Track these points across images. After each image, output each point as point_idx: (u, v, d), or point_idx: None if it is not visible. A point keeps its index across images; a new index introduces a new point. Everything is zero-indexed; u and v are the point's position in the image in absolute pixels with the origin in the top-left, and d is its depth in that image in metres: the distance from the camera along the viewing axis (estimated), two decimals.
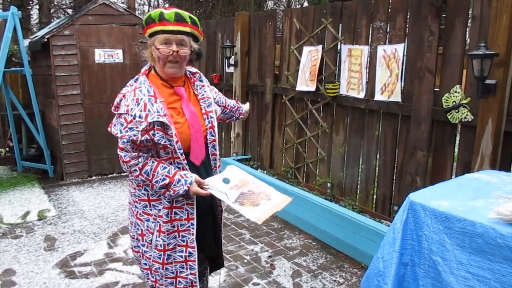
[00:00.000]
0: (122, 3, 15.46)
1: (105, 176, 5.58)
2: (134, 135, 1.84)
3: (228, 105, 2.46)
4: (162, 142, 1.85)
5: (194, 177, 1.89)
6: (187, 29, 1.89)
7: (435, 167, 3.27)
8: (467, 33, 3.09)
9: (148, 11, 17.37)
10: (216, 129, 2.07)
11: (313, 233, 3.82)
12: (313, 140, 4.39)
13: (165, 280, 2.03)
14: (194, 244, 1.99)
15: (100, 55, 5.37)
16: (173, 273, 2.02)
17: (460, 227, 1.74)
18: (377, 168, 3.75)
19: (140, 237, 2.04)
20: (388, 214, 3.64)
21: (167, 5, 17.26)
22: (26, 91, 5.62)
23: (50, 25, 6.26)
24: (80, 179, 5.43)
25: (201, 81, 2.11)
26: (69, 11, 15.18)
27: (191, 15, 1.93)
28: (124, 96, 1.91)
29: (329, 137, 4.19)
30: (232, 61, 5.26)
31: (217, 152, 2.12)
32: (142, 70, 2.00)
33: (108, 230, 3.94)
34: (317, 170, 4.40)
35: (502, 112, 2.71)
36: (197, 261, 2.02)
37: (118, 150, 1.91)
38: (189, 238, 1.98)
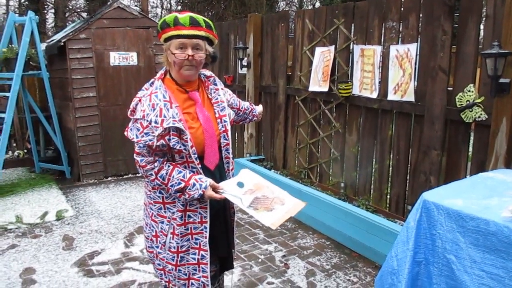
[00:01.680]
0: (135, 6, 15.64)
1: (121, 177, 5.67)
2: (150, 140, 1.85)
3: (242, 107, 2.46)
4: (177, 147, 1.87)
5: (209, 181, 1.91)
6: (202, 33, 1.90)
7: (449, 166, 3.26)
8: (481, 32, 3.09)
9: (161, 13, 17.54)
10: (229, 132, 2.08)
11: (326, 232, 3.84)
12: (326, 140, 4.40)
13: (178, 281, 2.06)
14: (207, 247, 2.02)
15: (115, 58, 5.45)
16: (185, 274, 2.05)
17: (474, 225, 1.75)
18: (390, 168, 3.75)
19: (154, 238, 2.07)
20: (402, 213, 3.64)
21: (179, 7, 17.39)
22: (43, 94, 5.74)
23: (66, 29, 6.39)
24: (96, 180, 5.52)
25: (215, 84, 2.12)
26: (84, 14, 15.40)
27: (205, 18, 1.94)
28: (140, 100, 1.93)
29: (342, 137, 4.20)
30: (245, 63, 5.30)
31: (230, 156, 2.13)
32: (158, 75, 2.01)
33: (124, 229, 4.01)
34: (330, 170, 4.41)
35: None
36: (209, 263, 2.05)
37: (135, 155, 1.95)
38: (202, 241, 2.01)
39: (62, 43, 5.15)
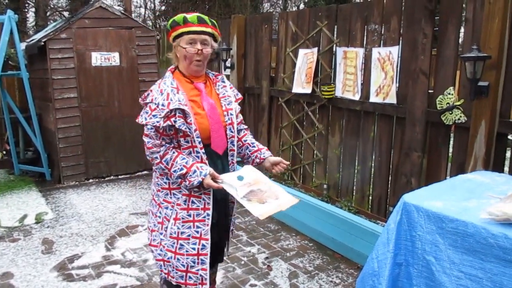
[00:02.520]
0: (119, 5, 15.48)
1: (102, 179, 5.59)
2: (157, 122, 2.01)
3: (238, 129, 2.34)
4: (183, 129, 2.01)
5: (209, 170, 2.02)
6: (209, 30, 2.10)
7: (430, 168, 3.30)
8: (460, 35, 3.13)
9: (145, 14, 17.39)
10: (235, 125, 2.20)
11: (309, 234, 3.85)
12: (309, 142, 4.42)
13: (176, 273, 2.14)
14: (208, 236, 2.11)
15: (97, 58, 5.38)
16: (183, 266, 2.12)
17: (453, 227, 1.77)
18: (372, 169, 3.78)
19: (159, 225, 2.17)
20: (384, 214, 3.67)
21: (163, 7, 17.30)
22: (23, 95, 5.63)
23: (47, 29, 6.28)
24: (77, 182, 5.44)
25: (223, 82, 2.27)
26: (65, 13, 15.18)
27: (210, 18, 2.14)
28: (151, 90, 2.12)
29: (325, 138, 4.22)
30: (228, 64, 5.29)
31: (235, 148, 2.24)
32: (169, 68, 2.22)
33: (105, 232, 3.95)
34: (314, 172, 4.43)
35: (494, 114, 2.75)
36: (209, 255, 2.12)
37: (143, 136, 2.09)
38: (203, 229, 2.10)
39: (43, 43, 5.06)
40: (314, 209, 3.75)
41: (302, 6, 18.77)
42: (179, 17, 2.10)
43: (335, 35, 4.02)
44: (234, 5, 15.15)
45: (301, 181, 4.60)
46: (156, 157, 2.07)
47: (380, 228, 3.26)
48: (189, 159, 2.05)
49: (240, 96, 2.37)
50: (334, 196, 4.15)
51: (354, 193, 3.98)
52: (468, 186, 2.15)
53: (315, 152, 4.36)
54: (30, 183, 5.45)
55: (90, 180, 5.53)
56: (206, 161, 2.08)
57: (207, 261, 2.11)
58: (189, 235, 2.10)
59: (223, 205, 2.27)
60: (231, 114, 2.19)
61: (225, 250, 2.48)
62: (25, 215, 4.37)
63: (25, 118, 5.48)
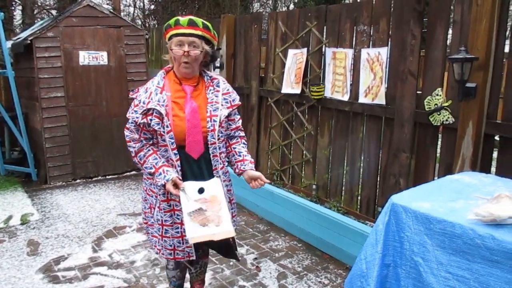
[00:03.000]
0: (107, 4, 15.35)
1: (90, 179, 5.53)
2: (136, 117, 2.15)
3: (230, 134, 2.37)
4: (156, 128, 2.12)
5: (172, 176, 2.12)
6: (198, 32, 2.12)
7: (418, 169, 3.32)
8: (449, 37, 3.15)
9: (134, 12, 17.27)
10: (216, 132, 2.20)
11: (298, 234, 3.85)
12: (299, 142, 4.41)
13: (165, 250, 2.32)
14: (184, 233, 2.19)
15: (85, 57, 5.32)
16: (171, 246, 2.30)
17: (440, 228, 1.77)
18: (361, 170, 3.79)
19: (148, 210, 2.35)
20: (373, 215, 3.68)
21: (152, 6, 17.19)
22: (9, 94, 5.54)
23: (33, 27, 6.19)
24: (64, 183, 5.37)
25: (218, 86, 2.26)
26: (53, 12, 15.01)
27: (204, 21, 2.16)
28: (141, 87, 2.25)
29: (314, 139, 4.22)
30: (217, 64, 5.26)
31: (218, 154, 2.25)
32: (165, 67, 2.29)
33: (92, 234, 3.90)
34: (303, 172, 4.43)
35: (482, 115, 2.76)
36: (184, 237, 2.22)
37: (124, 129, 2.25)
38: (183, 217, 2.18)
39: (29, 41, 4.99)
40: (303, 210, 3.75)
41: (292, 6, 18.81)
42: (172, 20, 2.16)
43: (324, 36, 4.02)
44: (224, 4, 15.11)
45: (290, 181, 4.60)
46: (132, 151, 2.23)
47: (368, 228, 3.27)
48: (160, 159, 2.17)
49: (237, 102, 2.32)
50: (323, 197, 4.15)
51: (343, 194, 3.99)
52: (455, 187, 2.16)
53: (304, 152, 4.36)
54: (15, 183, 5.37)
55: (77, 181, 5.46)
56: (177, 162, 2.17)
57: (181, 240, 2.28)
58: (172, 222, 2.26)
59: None
60: (215, 121, 2.19)
61: (233, 245, 2.43)
62: (10, 216, 4.30)
63: (11, 118, 5.40)
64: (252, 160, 2.36)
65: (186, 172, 2.22)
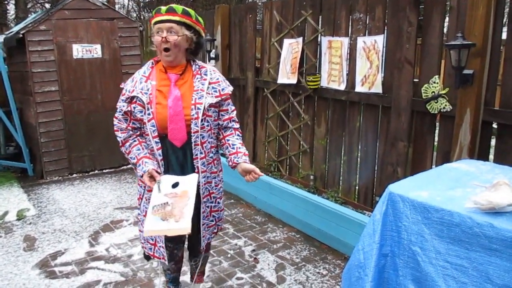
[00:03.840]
0: None
1: (86, 174, 5.49)
2: (122, 106, 2.20)
3: (223, 125, 2.33)
4: (139, 116, 2.16)
5: (149, 168, 2.12)
6: (176, 18, 2.10)
7: (416, 157, 3.29)
8: (445, 23, 3.11)
9: (128, 4, 17.11)
10: (199, 120, 2.16)
11: (296, 225, 3.83)
12: (295, 133, 4.38)
13: (147, 245, 2.37)
14: None
15: (78, 51, 5.26)
16: (153, 240, 2.34)
17: (438, 217, 1.75)
18: (359, 160, 3.77)
19: (138, 201, 2.39)
20: (371, 205, 3.66)
21: None
22: (3, 89, 5.48)
23: (26, 20, 6.11)
24: (60, 177, 5.33)
25: (205, 74, 2.24)
26: (47, 5, 14.85)
27: (186, 8, 2.15)
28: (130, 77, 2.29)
29: (311, 129, 4.19)
30: (212, 55, 5.21)
31: (199, 143, 2.19)
32: (156, 57, 2.28)
33: (89, 228, 3.88)
34: (300, 163, 4.40)
35: (479, 102, 2.73)
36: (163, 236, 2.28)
37: (113, 118, 2.26)
38: None
39: (21, 35, 4.92)
40: (301, 200, 3.73)
41: None
42: (156, 9, 2.17)
43: (320, 25, 3.97)
44: None
45: (287, 172, 4.57)
46: (119, 141, 2.26)
47: (366, 218, 3.25)
48: (143, 151, 2.20)
49: (226, 91, 2.27)
50: (321, 187, 4.14)
51: (340, 184, 3.97)
52: (453, 175, 2.14)
53: (301, 143, 4.33)
54: (11, 179, 5.33)
55: (74, 175, 5.43)
56: (159, 151, 2.18)
57: (162, 238, 2.29)
58: None
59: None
60: (199, 109, 2.16)
61: (201, 241, 2.39)
62: (6, 211, 4.27)
63: (5, 113, 5.35)
64: (246, 152, 2.29)
65: (171, 160, 2.21)
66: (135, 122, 2.21)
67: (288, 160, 4.57)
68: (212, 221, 2.41)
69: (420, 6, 3.19)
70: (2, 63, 5.15)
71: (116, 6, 14.59)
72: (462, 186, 1.95)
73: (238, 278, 3.04)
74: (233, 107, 2.37)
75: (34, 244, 3.58)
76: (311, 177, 4.22)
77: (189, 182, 2.10)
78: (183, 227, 1.96)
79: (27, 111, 5.48)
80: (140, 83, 2.17)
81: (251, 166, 2.21)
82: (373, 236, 1.95)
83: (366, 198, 3.71)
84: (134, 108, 2.16)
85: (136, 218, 4.04)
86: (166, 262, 2.37)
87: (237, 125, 2.38)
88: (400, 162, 3.35)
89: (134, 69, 5.62)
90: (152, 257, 2.41)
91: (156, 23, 2.12)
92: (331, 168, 4.03)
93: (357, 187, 3.82)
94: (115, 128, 2.25)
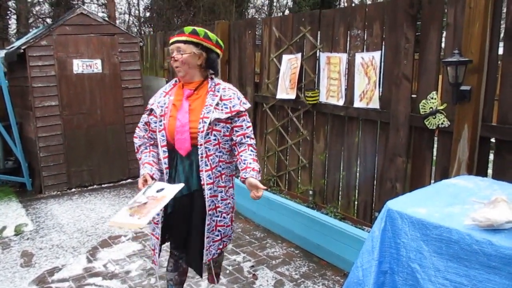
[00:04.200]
0: (103, 12, 15.35)
1: (85, 188, 5.48)
2: (144, 117, 2.47)
3: (237, 141, 2.38)
4: (152, 126, 2.39)
5: (145, 173, 2.31)
6: (183, 38, 2.30)
7: (414, 173, 3.29)
8: (442, 40, 3.14)
9: (129, 20, 17.28)
10: (204, 134, 2.26)
11: (295, 241, 3.81)
12: (294, 148, 4.39)
13: (151, 252, 2.59)
14: (158, 235, 2.41)
15: (79, 66, 5.30)
16: (153, 245, 2.50)
17: (437, 234, 1.74)
18: (358, 175, 3.76)
19: None
20: (370, 220, 3.64)
21: (148, 14, 17.20)
22: (3, 103, 5.50)
23: (27, 36, 6.17)
24: (59, 192, 5.32)
25: (218, 92, 2.35)
26: (48, 20, 15.00)
27: (197, 28, 2.35)
28: None
29: (310, 144, 4.20)
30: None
31: (206, 156, 2.28)
32: None
33: (87, 244, 3.86)
34: (299, 178, 4.40)
35: (477, 118, 2.74)
36: (159, 239, 2.42)
37: (136, 128, 2.54)
38: (157, 227, 2.43)
39: (22, 50, 4.96)
40: (300, 216, 3.72)
41: (287, 12, 18.84)
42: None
43: (318, 41, 4.01)
44: (219, 11, 15.14)
45: (286, 187, 4.57)
46: (135, 147, 2.51)
47: (366, 234, 3.24)
48: (149, 158, 2.41)
49: (237, 108, 2.34)
50: (320, 202, 4.12)
51: (340, 199, 3.96)
52: (451, 191, 2.13)
53: (300, 158, 4.33)
54: (10, 193, 5.32)
55: (73, 190, 5.42)
56: (164, 160, 2.34)
57: (156, 242, 2.45)
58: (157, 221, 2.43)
59: (187, 211, 2.38)
60: (205, 122, 2.27)
61: (204, 255, 2.40)
62: (4, 226, 4.26)
63: (5, 127, 5.36)
64: (256, 168, 2.30)
65: (178, 170, 2.36)
66: (152, 134, 2.42)
67: (287, 175, 4.56)
68: (217, 235, 2.42)
69: (417, 22, 3.23)
70: (3, 77, 5.18)
71: (117, 21, 14.73)
72: (461, 203, 1.94)
73: None
74: (249, 124, 2.42)
75: (31, 260, 3.56)
76: (310, 192, 4.21)
77: (171, 189, 2.19)
78: (139, 223, 2.04)
79: (26, 125, 5.49)
80: (160, 97, 2.41)
81: (255, 181, 2.23)
82: (372, 253, 1.94)
83: (366, 213, 3.70)
84: (151, 119, 2.39)
85: (135, 234, 4.03)
86: (169, 275, 2.57)
87: (251, 141, 2.41)
88: (399, 178, 3.35)
89: (133, 84, 5.68)
90: (173, 261, 2.56)
91: (169, 45, 2.36)
92: (330, 183, 4.02)
93: (356, 203, 3.81)
94: (134, 135, 2.53)
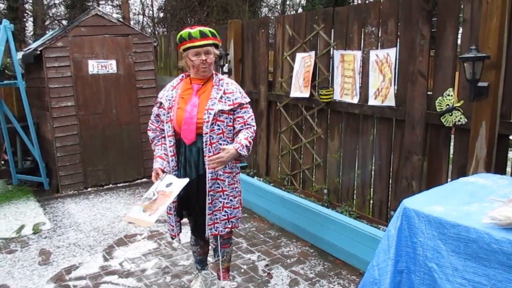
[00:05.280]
0: (117, 13, 15.49)
1: (101, 188, 5.54)
2: (155, 110, 2.71)
3: (237, 129, 2.63)
4: (162, 118, 2.64)
5: (157, 167, 2.59)
6: (210, 41, 2.54)
7: (431, 171, 3.25)
8: (459, 36, 3.09)
9: (143, 20, 17.41)
10: (209, 124, 2.50)
11: (310, 240, 3.79)
12: (309, 147, 4.37)
13: (169, 227, 2.77)
14: (172, 211, 2.69)
15: (94, 66, 5.35)
16: (171, 220, 2.73)
17: (455, 232, 1.72)
18: (373, 173, 3.73)
19: None
20: (385, 219, 3.61)
21: (161, 14, 17.31)
22: (21, 104, 5.60)
23: (44, 37, 6.25)
24: (75, 191, 5.39)
25: (221, 86, 2.60)
26: (64, 22, 15.19)
27: (210, 29, 2.56)
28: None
29: (324, 143, 4.18)
30: (226, 69, 5.25)
31: (209, 144, 2.52)
32: (186, 72, 2.73)
33: (103, 242, 3.90)
34: (313, 177, 4.38)
35: (495, 114, 2.70)
36: (172, 214, 2.69)
37: (149, 120, 2.76)
38: (173, 206, 2.68)
39: (39, 52, 5.04)
40: (314, 215, 3.70)
41: (300, 10, 18.77)
42: (185, 33, 2.52)
43: (332, 38, 3.98)
44: (232, 10, 15.13)
45: (301, 186, 4.55)
46: (149, 139, 2.75)
47: (381, 233, 3.20)
48: (160, 151, 2.65)
49: (239, 101, 2.60)
50: (335, 201, 4.10)
51: (354, 198, 3.93)
52: (469, 189, 2.10)
53: (314, 156, 4.31)
54: (28, 193, 5.41)
55: (89, 189, 5.48)
56: (170, 148, 2.58)
57: (172, 218, 2.71)
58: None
59: (194, 180, 2.60)
60: (210, 113, 2.51)
61: (206, 228, 2.65)
62: (22, 225, 4.33)
63: (23, 128, 5.45)
64: (240, 141, 2.51)
65: (187, 155, 2.59)
66: (162, 124, 2.65)
67: (301, 174, 4.55)
68: (224, 215, 2.68)
69: (433, 19, 3.18)
70: (20, 79, 5.26)
71: (131, 22, 14.86)
72: (479, 201, 1.91)
73: None
74: (250, 114, 2.66)
75: (49, 258, 3.61)
76: (325, 191, 4.19)
77: (177, 185, 2.45)
78: (149, 221, 2.33)
79: (43, 126, 5.57)
80: (168, 91, 2.65)
81: (227, 147, 2.48)
82: (388, 252, 1.92)
83: (381, 212, 3.67)
84: (161, 111, 2.64)
85: (150, 232, 4.06)
86: (192, 247, 2.93)
87: (250, 127, 2.64)
88: (414, 176, 3.31)
89: (148, 84, 5.72)
90: (173, 237, 2.76)
91: (193, 47, 2.50)
92: (345, 182, 3.99)
93: (371, 201, 3.78)
94: (148, 128, 2.77)
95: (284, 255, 3.59)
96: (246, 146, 2.51)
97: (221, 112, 2.54)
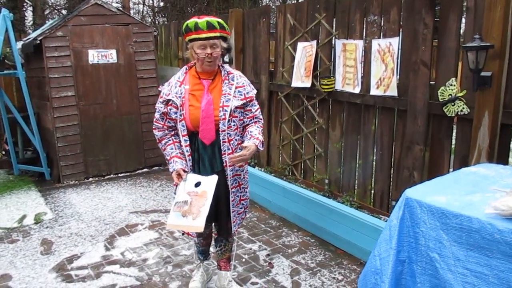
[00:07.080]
0: (117, 2, 15.37)
1: (102, 178, 5.55)
2: (160, 107, 2.53)
3: (247, 122, 2.58)
4: (173, 117, 2.47)
5: (177, 167, 2.45)
6: (217, 34, 2.38)
7: (433, 161, 3.24)
8: (462, 25, 3.06)
9: (143, 10, 17.29)
10: (226, 121, 2.44)
11: (311, 230, 3.80)
12: (310, 137, 4.36)
13: None
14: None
15: (94, 56, 5.32)
16: None
17: (457, 223, 1.71)
18: (374, 163, 3.72)
19: (174, 187, 2.61)
20: (387, 209, 3.61)
21: (162, 3, 17.18)
22: (21, 94, 5.57)
23: (43, 27, 6.21)
24: (77, 181, 5.39)
25: (232, 80, 2.50)
26: (64, 11, 15.10)
27: (219, 20, 2.40)
28: (167, 81, 2.57)
29: (326, 133, 4.16)
30: (226, 59, 5.22)
31: (227, 140, 2.46)
32: (188, 63, 2.60)
33: (105, 232, 3.91)
34: (315, 167, 4.37)
35: (498, 104, 2.68)
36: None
37: (153, 117, 2.60)
38: None
39: (38, 41, 5.01)
40: (315, 205, 3.70)
41: None
42: (191, 22, 2.37)
43: (334, 28, 3.95)
44: (233, 0, 15.01)
45: (302, 176, 4.55)
46: (157, 139, 2.60)
47: (382, 223, 3.21)
48: (175, 150, 2.52)
49: (250, 95, 2.54)
50: (336, 191, 4.10)
51: (356, 188, 3.93)
52: (472, 179, 2.09)
53: (315, 146, 4.31)
54: (29, 183, 5.41)
55: (90, 179, 5.48)
56: (186, 148, 2.48)
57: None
58: None
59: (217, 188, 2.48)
60: (226, 111, 2.43)
61: (232, 226, 2.67)
62: (24, 215, 4.34)
63: (23, 118, 5.44)
64: (259, 137, 2.47)
65: (202, 155, 2.51)
66: (170, 121, 2.52)
67: (302, 164, 4.54)
68: (241, 208, 2.71)
69: (436, 8, 3.15)
70: (20, 69, 5.24)
71: (131, 12, 14.75)
72: (481, 191, 1.91)
73: (253, 283, 3.03)
74: (257, 107, 2.62)
75: (51, 248, 3.62)
76: (326, 181, 4.19)
77: (208, 183, 2.37)
78: (198, 225, 2.27)
79: (44, 116, 5.56)
80: (175, 87, 2.48)
81: (248, 144, 2.39)
82: (390, 242, 1.92)
83: (382, 202, 3.67)
84: (170, 110, 2.47)
85: (151, 222, 4.07)
86: (195, 239, 2.81)
87: (259, 120, 2.61)
88: (416, 166, 3.30)
89: (148, 74, 5.70)
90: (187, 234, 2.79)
91: (199, 39, 2.36)
92: (346, 172, 3.99)
93: (372, 191, 3.77)
94: (153, 127, 2.60)
95: (285, 245, 3.60)
96: (262, 141, 2.50)
97: (236, 107, 2.48)
